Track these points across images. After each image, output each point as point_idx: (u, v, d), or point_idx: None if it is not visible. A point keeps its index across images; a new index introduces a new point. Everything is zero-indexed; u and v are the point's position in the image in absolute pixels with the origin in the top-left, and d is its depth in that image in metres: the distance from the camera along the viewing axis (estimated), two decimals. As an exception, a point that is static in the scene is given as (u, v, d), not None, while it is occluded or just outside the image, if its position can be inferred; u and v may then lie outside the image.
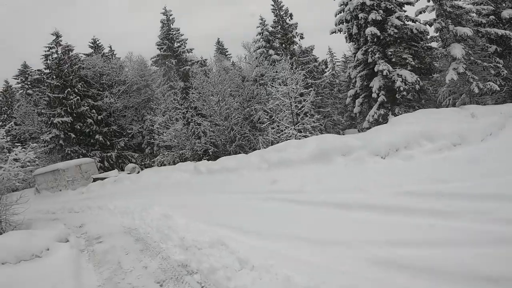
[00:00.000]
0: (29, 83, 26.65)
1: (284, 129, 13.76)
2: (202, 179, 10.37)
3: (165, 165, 18.61)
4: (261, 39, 21.48)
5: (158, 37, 22.14)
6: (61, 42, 21.40)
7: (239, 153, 19.70)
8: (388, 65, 14.35)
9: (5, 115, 26.97)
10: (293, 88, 13.43)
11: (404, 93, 13.82)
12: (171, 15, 22.26)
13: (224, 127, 17.51)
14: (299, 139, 13.01)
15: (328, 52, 35.65)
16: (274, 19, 22.08)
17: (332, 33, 16.91)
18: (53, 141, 20.37)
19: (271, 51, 21.06)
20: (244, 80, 21.46)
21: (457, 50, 14.44)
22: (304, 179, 6.20)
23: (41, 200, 14.66)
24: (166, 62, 21.63)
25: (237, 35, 53.33)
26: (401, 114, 13.90)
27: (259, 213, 5.04)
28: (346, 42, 20.15)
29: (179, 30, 22.67)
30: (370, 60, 14.97)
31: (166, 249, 4.25)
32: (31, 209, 12.06)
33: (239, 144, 18.99)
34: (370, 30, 14.55)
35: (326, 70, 28.92)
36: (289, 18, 22.37)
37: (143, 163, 21.74)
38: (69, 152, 20.18)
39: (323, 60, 28.78)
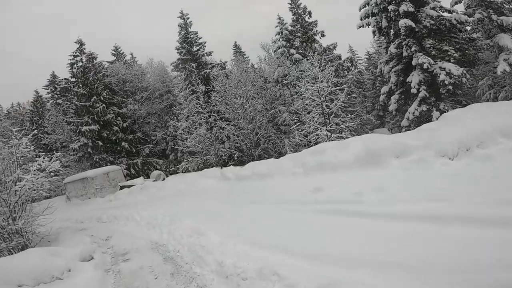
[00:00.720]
0: (58, 92, 27.48)
1: (314, 131, 12.79)
2: (230, 186, 9.68)
3: (189, 171, 18.28)
4: (280, 39, 20.78)
5: (176, 42, 22.13)
6: (84, 50, 21.73)
7: (264, 157, 18.96)
8: (429, 58, 13.09)
9: (36, 125, 27.99)
10: (324, 86, 12.45)
11: (450, 87, 12.43)
12: (188, 18, 22.18)
13: (248, 130, 16.85)
14: (332, 140, 12.02)
15: (349, 50, 34.13)
16: (293, 18, 21.38)
17: (360, 27, 16.02)
18: (81, 149, 20.72)
19: (292, 51, 20.26)
20: (266, 81, 20.78)
21: (507, 40, 12.97)
22: (356, 186, 5.24)
23: (71, 208, 14.73)
24: (186, 66, 21.50)
25: (251, 39, 53.20)
26: (447, 110, 12.51)
27: (309, 230, 4.19)
28: (374, 36, 18.98)
29: (197, 33, 22.50)
30: (405, 53, 13.87)
31: (201, 276, 3.54)
32: (61, 217, 12.06)
33: (264, 148, 18.24)
34: (404, 22, 13.50)
35: (351, 67, 27.66)
36: (308, 16, 21.53)
37: (167, 169, 21.59)
38: (97, 160, 20.43)
39: (348, 58, 27.52)
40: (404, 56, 14.07)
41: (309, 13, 21.56)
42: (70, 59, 21.69)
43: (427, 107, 13.30)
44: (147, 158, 22.39)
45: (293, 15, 21.47)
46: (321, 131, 12.22)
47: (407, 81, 14.08)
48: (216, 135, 17.94)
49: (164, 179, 15.80)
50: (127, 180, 17.67)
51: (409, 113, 13.77)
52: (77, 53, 21.57)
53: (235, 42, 25.20)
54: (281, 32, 20.69)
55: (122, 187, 14.84)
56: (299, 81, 18.83)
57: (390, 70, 15.19)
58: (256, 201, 6.87)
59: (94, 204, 13.94)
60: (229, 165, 17.26)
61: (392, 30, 14.79)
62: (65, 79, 23.42)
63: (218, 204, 7.45)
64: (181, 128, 17.65)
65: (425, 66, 12.85)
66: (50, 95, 29.81)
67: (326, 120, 12.64)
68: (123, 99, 22.90)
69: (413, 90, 13.56)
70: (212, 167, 17.21)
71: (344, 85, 15.04)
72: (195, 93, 19.23)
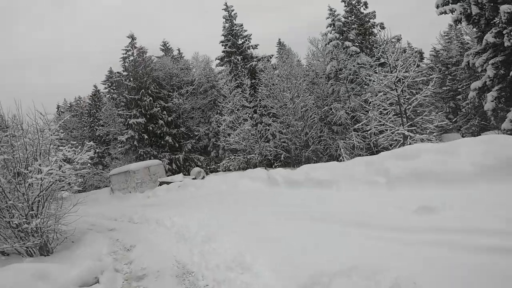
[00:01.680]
0: (113, 87, 28.78)
1: (386, 130, 10.35)
2: (278, 192, 7.92)
3: (230, 170, 17.05)
4: (332, 31, 18.72)
5: (221, 35, 21.47)
6: (136, 45, 22.16)
7: (313, 160, 16.82)
8: None
9: (93, 117, 29.71)
10: (402, 76, 9.96)
11: None
12: (232, 10, 21.42)
13: (298, 128, 14.94)
14: (411, 143, 9.47)
15: (408, 46, 29.94)
16: (345, 9, 19.35)
17: (441, 14, 13.58)
18: (128, 142, 20.98)
19: (347, 43, 17.88)
20: (318, 76, 18.63)
21: None
22: (496, 208, 3.08)
23: (111, 201, 14.48)
24: (231, 59, 20.58)
25: (293, 40, 50.88)
26: None
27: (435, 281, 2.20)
28: (457, 24, 15.86)
29: (242, 25, 21.61)
30: (508, 43, 11.11)
31: None
32: (98, 211, 11.59)
33: (314, 150, 16.13)
34: (508, 7, 11.09)
35: (420, 62, 24.08)
36: (363, 7, 19.38)
37: (208, 167, 20.76)
38: (141, 153, 20.48)
39: (416, 51, 24.07)
40: (505, 47, 11.28)
41: (365, 3, 19.38)
42: (123, 53, 22.34)
43: (543, 105, 10.00)
44: (189, 153, 21.90)
45: (346, 5, 19.44)
46: (395, 130, 9.71)
47: (511, 74, 11.10)
48: (262, 132, 16.40)
49: (204, 177, 14.74)
50: (168, 176, 17.09)
51: (514, 113, 10.57)
52: (129, 48, 22.06)
53: (279, 39, 23.51)
54: (333, 24, 18.66)
55: (161, 183, 14.12)
56: (358, 75, 16.35)
57: (485, 62, 12.21)
58: (316, 217, 4.98)
59: (133, 199, 13.40)
60: (275, 166, 15.57)
61: (484, 18, 12.02)
62: (117, 72, 24.16)
63: (265, 216, 5.71)
64: (225, 123, 16.47)
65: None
66: (107, 90, 31.66)
67: (403, 117, 10.09)
68: (169, 93, 22.82)
69: (521, 85, 10.39)
70: (255, 167, 15.69)
71: (433, 74, 12.23)
72: (241, 86, 17.98)
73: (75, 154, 6.48)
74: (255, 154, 15.53)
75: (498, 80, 11.69)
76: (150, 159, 19.26)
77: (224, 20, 21.39)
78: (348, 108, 15.34)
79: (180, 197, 10.66)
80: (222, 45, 21.43)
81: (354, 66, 16.48)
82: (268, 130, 16.88)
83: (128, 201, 13.15)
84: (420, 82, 12.58)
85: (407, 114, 10.24)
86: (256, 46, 21.69)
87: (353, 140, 14.14)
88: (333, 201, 5.81)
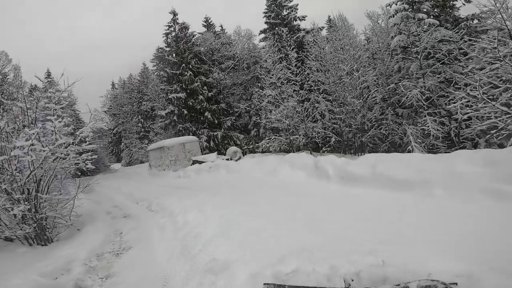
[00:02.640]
0: (162, 65, 28.99)
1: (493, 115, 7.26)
2: (329, 190, 5.84)
3: (270, 151, 15.23)
4: (398, 2, 15.11)
5: (264, 5, 19.37)
6: (178, 21, 21.55)
7: (369, 147, 13.97)
8: None
9: (141, 93, 30.57)
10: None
11: None
12: None
13: (355, 108, 12.19)
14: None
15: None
16: None
17: None
18: (168, 117, 20.56)
19: (421, 15, 14.06)
20: (380, 51, 15.13)
21: None
22: None
23: (145, 179, 13.99)
24: (276, 30, 18.19)
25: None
26: None
27: None
28: None
29: None
30: None
31: None
32: (127, 191, 10.92)
33: (373, 135, 13.26)
34: None
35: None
36: None
37: (247, 146, 19.29)
38: (181, 128, 19.93)
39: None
40: None
41: None
42: (165, 29, 22.11)
43: None
44: (228, 131, 20.65)
45: None
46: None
47: None
48: (308, 110, 14.03)
49: (240, 157, 13.23)
50: (205, 153, 16.04)
51: None
52: (171, 23, 21.52)
53: (329, 16, 20.21)
54: None
55: (194, 162, 13.02)
56: (436, 51, 12.60)
57: None
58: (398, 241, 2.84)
59: (165, 178, 12.60)
60: (323, 152, 13.27)
61: None
62: (160, 48, 23.81)
63: (307, 232, 3.69)
64: (267, 98, 14.44)
65: None
66: (155, 68, 32.16)
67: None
68: (210, 69, 21.64)
69: None
70: (298, 150, 13.60)
71: None
72: (286, 58, 15.60)
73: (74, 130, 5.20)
74: (300, 135, 13.35)
75: None
76: (188, 135, 18.55)
77: None
78: (423, 87, 11.98)
79: (208, 181, 9.29)
80: (265, 16, 19.41)
81: (431, 40, 12.82)
82: (317, 108, 14.41)
83: (160, 180, 12.37)
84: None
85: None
86: (304, 17, 19.10)
87: (427, 126, 10.98)
88: (426, 216, 3.57)
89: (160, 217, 5.83)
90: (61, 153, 5.27)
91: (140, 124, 30.24)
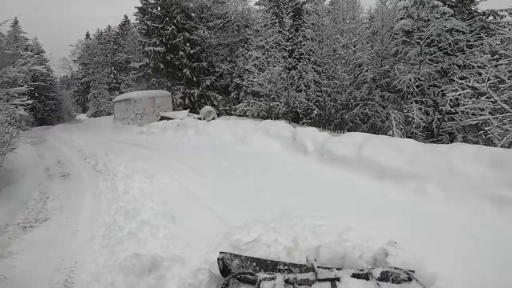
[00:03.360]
0: (145, 18, 26.46)
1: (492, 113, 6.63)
2: (306, 166, 5.11)
3: (247, 116, 14.22)
4: None
5: None
6: None
7: (350, 126, 13.42)
8: None
9: (118, 45, 28.04)
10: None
11: None
12: None
13: (345, 82, 11.23)
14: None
15: None
16: None
17: None
18: (142, 69, 18.65)
19: (436, 1, 12.68)
20: (382, 31, 13.90)
21: None
22: None
23: (104, 132, 12.56)
24: None
25: None
26: None
27: None
28: None
29: None
30: None
31: None
32: (79, 145, 9.52)
33: (356, 114, 12.57)
34: None
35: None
36: None
37: (223, 108, 18.13)
38: (154, 82, 18.16)
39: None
40: None
41: None
42: None
43: None
44: (206, 90, 19.12)
45: None
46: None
47: None
48: (294, 79, 12.90)
49: (214, 118, 12.16)
50: (178, 110, 14.68)
51: None
52: None
53: None
54: None
55: (162, 118, 11.74)
56: (442, 39, 11.67)
57: None
58: None
59: (126, 132, 11.32)
60: (303, 123, 12.48)
61: None
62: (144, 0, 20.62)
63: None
64: (253, 60, 12.98)
65: None
66: (138, 21, 29.08)
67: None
68: (196, 26, 19.36)
69: None
70: (277, 118, 12.70)
71: None
72: (280, 23, 13.93)
73: None
74: (281, 102, 12.35)
75: None
76: (163, 90, 16.88)
77: None
78: (417, 73, 11.22)
79: (171, 141, 8.27)
80: None
81: (439, 28, 11.77)
82: (303, 78, 13.30)
83: (120, 134, 11.05)
84: None
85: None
86: None
87: (412, 113, 10.43)
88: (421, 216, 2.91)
89: (102, 180, 4.82)
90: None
91: (112, 75, 27.92)
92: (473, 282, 1.87)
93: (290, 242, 2.31)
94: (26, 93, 5.07)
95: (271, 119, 12.18)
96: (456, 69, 10.83)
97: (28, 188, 4.69)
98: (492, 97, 5.90)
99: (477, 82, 6.79)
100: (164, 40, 18.29)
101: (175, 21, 18.44)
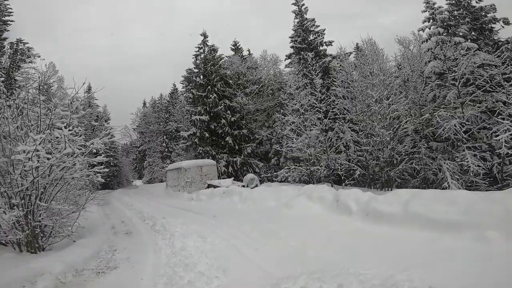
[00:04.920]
0: (190, 87, 29.98)
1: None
2: (351, 227, 5.07)
3: (289, 181, 14.48)
4: (432, 26, 14.79)
5: (291, 29, 19.44)
6: (208, 43, 22.13)
7: (397, 183, 12.80)
8: None
9: (169, 114, 31.49)
10: None
11: None
12: (303, 4, 19.23)
13: (384, 139, 11.33)
14: None
15: None
16: (449, 2, 14.98)
17: None
18: (190, 139, 20.66)
19: (458, 39, 13.45)
20: (413, 78, 14.49)
21: None
22: None
23: (159, 198, 13.75)
24: (301, 55, 18.18)
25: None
26: None
27: None
28: None
29: (314, 20, 19.21)
30: None
31: None
32: (139, 207, 10.65)
33: (403, 170, 12.16)
34: None
35: None
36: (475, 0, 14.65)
37: (267, 174, 18.65)
38: (201, 151, 19.84)
39: None
40: None
41: None
42: (195, 51, 22.47)
43: None
44: (248, 158, 20.23)
45: None
46: None
47: None
48: (332, 140, 13.36)
49: (256, 185, 12.63)
50: (222, 178, 15.63)
51: None
52: (201, 45, 22.12)
53: (357, 44, 19.98)
54: (433, 18, 15.04)
55: (209, 186, 12.62)
56: (477, 76, 11.81)
57: None
58: None
59: (178, 198, 12.28)
60: (346, 185, 12.30)
61: None
62: (189, 69, 24.43)
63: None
64: (290, 125, 14.01)
65: None
66: (184, 89, 33.32)
67: None
68: (235, 92, 21.80)
69: None
70: (319, 182, 12.74)
71: None
72: (311, 84, 15.32)
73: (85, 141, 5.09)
74: (321, 166, 12.58)
75: None
76: (208, 158, 18.38)
77: (294, 15, 19.50)
78: (462, 118, 10.99)
79: (218, 207, 8.76)
80: (291, 40, 19.37)
81: (470, 65, 12.05)
82: (341, 138, 13.71)
83: (173, 200, 12.04)
84: None
85: None
86: (331, 42, 18.78)
87: (467, 162, 9.83)
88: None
89: (161, 238, 5.35)
90: (70, 163, 5.10)
91: (164, 144, 30.82)
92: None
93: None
94: (103, 162, 6.03)
95: (313, 183, 12.26)
96: (502, 106, 10.24)
97: (98, 241, 5.37)
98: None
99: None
100: (207, 109, 20.25)
101: (216, 89, 20.50)
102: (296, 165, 13.74)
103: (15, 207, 4.49)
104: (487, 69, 11.74)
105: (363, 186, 12.62)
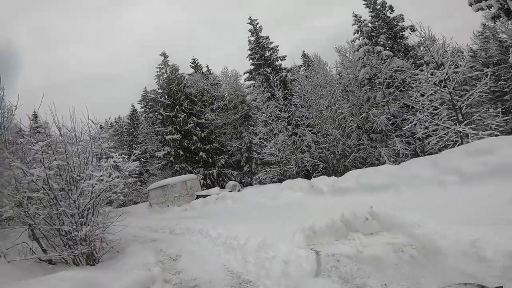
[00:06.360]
0: (149, 106, 30.01)
1: (440, 131, 9.39)
2: (324, 201, 7.32)
3: (265, 183, 16.64)
4: (360, 37, 18.32)
5: (248, 49, 21.62)
6: (168, 62, 22.94)
7: (353, 169, 15.86)
8: None
9: (132, 136, 31.19)
10: (452, 73, 9.15)
11: None
12: (257, 23, 21.59)
13: (336, 137, 14.24)
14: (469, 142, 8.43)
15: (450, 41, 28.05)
16: (371, 14, 18.68)
17: (478, 10, 12.77)
18: (165, 158, 21.63)
19: (378, 48, 17.26)
20: (350, 83, 17.99)
21: None
22: None
23: (151, 215, 14.68)
24: (261, 71, 20.65)
25: (316, 49, 50.96)
26: None
27: None
28: (495, 21, 15.73)
29: (268, 37, 21.72)
30: None
31: None
32: (140, 224, 11.75)
33: (353, 159, 15.23)
34: None
35: (460, 63, 22.47)
36: (389, 11, 18.52)
37: (242, 181, 20.55)
38: (178, 168, 20.92)
39: (455, 49, 22.55)
40: None
41: (390, 7, 18.53)
42: (157, 71, 23.22)
43: None
44: (222, 169, 21.94)
45: (371, 11, 18.80)
46: (451, 129, 8.75)
47: None
48: (297, 143, 15.95)
49: (239, 190, 14.49)
50: (203, 190, 17.11)
51: None
52: (162, 65, 23.02)
53: (303, 51, 23.37)
54: (360, 30, 18.40)
55: (198, 196, 14.11)
56: (394, 79, 15.51)
57: None
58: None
59: (171, 212, 13.47)
60: (314, 177, 14.91)
61: None
62: (153, 90, 25.00)
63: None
64: (260, 134, 16.26)
65: None
66: (143, 109, 32.96)
67: (458, 116, 9.11)
68: (201, 109, 23.28)
69: None
70: (292, 178, 15.15)
71: (489, 68, 11.24)
72: (273, 98, 17.85)
73: (123, 162, 6.53)
74: (292, 165, 15.02)
75: None
76: (185, 174, 19.59)
77: (250, 33, 21.60)
78: (388, 113, 14.43)
79: (218, 209, 10.44)
80: (250, 58, 21.39)
81: (389, 70, 15.70)
82: (304, 141, 16.40)
83: (167, 214, 13.23)
84: (473, 78, 11.50)
85: (462, 113, 9.21)
86: (284, 57, 21.41)
87: (396, 147, 13.11)
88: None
89: (189, 236, 6.96)
90: (110, 184, 6.50)
91: (113, 154, 30.40)
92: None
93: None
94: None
95: (287, 180, 14.64)
96: (412, 102, 13.68)
97: (139, 247, 6.76)
98: (433, 121, 8.65)
99: (420, 112, 9.67)
100: (178, 127, 21.37)
101: (183, 108, 21.66)
102: (270, 168, 15.99)
103: (82, 224, 5.78)
104: (400, 73, 15.46)
105: (327, 176, 15.40)
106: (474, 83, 11.56)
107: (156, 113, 23.65)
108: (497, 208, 3.53)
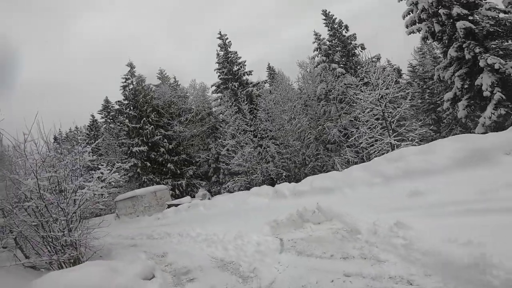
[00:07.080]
0: (111, 117, 29.10)
1: (375, 142, 11.55)
2: (287, 203, 8.74)
3: (234, 190, 17.75)
4: (319, 55, 20.47)
5: (216, 63, 22.29)
6: (135, 73, 22.87)
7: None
8: (498, 58, 12.06)
9: (91, 148, 29.83)
10: (384, 93, 11.41)
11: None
12: (226, 38, 22.45)
13: (296, 148, 16.05)
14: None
15: (388, 64, 32.08)
16: (329, 33, 20.94)
17: (410, 33, 15.13)
18: (132, 170, 21.50)
19: (334, 65, 19.67)
20: (310, 98, 20.18)
21: None
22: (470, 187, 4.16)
23: (121, 225, 14.78)
24: (229, 85, 21.59)
25: (281, 59, 53.77)
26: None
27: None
28: (425, 42, 18.73)
29: (236, 53, 22.67)
30: (468, 56, 12.92)
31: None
32: (112, 233, 11.92)
33: (312, 167, 17.18)
34: (462, 24, 13.05)
35: (399, 79, 26.10)
36: (345, 30, 21.01)
37: (211, 190, 21.36)
38: (145, 180, 20.98)
39: (395, 68, 26.23)
40: (467, 59, 12.97)
41: (346, 27, 20.99)
42: (123, 82, 22.96)
43: (506, 110, 11.63)
44: (190, 179, 22.49)
45: (329, 30, 21.05)
46: (384, 140, 10.95)
47: (475, 84, 12.73)
48: (262, 154, 17.45)
49: (209, 198, 15.39)
50: (173, 200, 17.61)
51: (484, 118, 12.09)
52: (128, 76, 22.83)
53: (269, 64, 25.23)
54: (319, 48, 20.42)
55: (169, 206, 14.68)
56: (346, 95, 17.95)
57: (453, 75, 13.85)
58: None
59: (143, 222, 13.83)
60: (279, 184, 16.45)
61: (446, 34, 13.74)
62: (118, 101, 24.43)
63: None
64: (227, 146, 17.44)
65: (496, 67, 11.92)
66: (103, 119, 31.68)
67: (389, 129, 11.38)
68: (169, 121, 23.54)
69: (486, 93, 12.14)
70: (258, 186, 16.51)
71: (409, 89, 13.83)
72: (240, 111, 19.15)
73: (108, 175, 7.25)
74: (258, 174, 16.40)
75: (466, 90, 13.08)
76: (153, 185, 19.77)
77: (219, 48, 22.41)
78: (340, 126, 16.70)
79: (192, 216, 11.24)
80: (218, 72, 22.17)
81: (341, 86, 18.07)
82: (268, 152, 17.93)
83: (138, 224, 13.55)
84: (401, 97, 14.11)
85: (392, 127, 11.57)
86: (251, 72, 22.52)
87: (347, 156, 15.29)
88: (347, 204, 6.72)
89: (170, 238, 7.81)
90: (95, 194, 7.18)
91: (101, 166, 29.14)
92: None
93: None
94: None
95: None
96: (358, 116, 16.01)
97: (122, 251, 7.43)
98: (370, 133, 10.74)
99: (361, 126, 11.85)
100: (144, 139, 21.46)
101: (150, 120, 21.80)
102: (239, 177, 17.19)
103: (70, 231, 6.37)
104: (351, 89, 17.91)
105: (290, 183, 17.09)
106: (402, 102, 14.21)
107: (121, 124, 23.36)
108: (399, 200, 5.21)
